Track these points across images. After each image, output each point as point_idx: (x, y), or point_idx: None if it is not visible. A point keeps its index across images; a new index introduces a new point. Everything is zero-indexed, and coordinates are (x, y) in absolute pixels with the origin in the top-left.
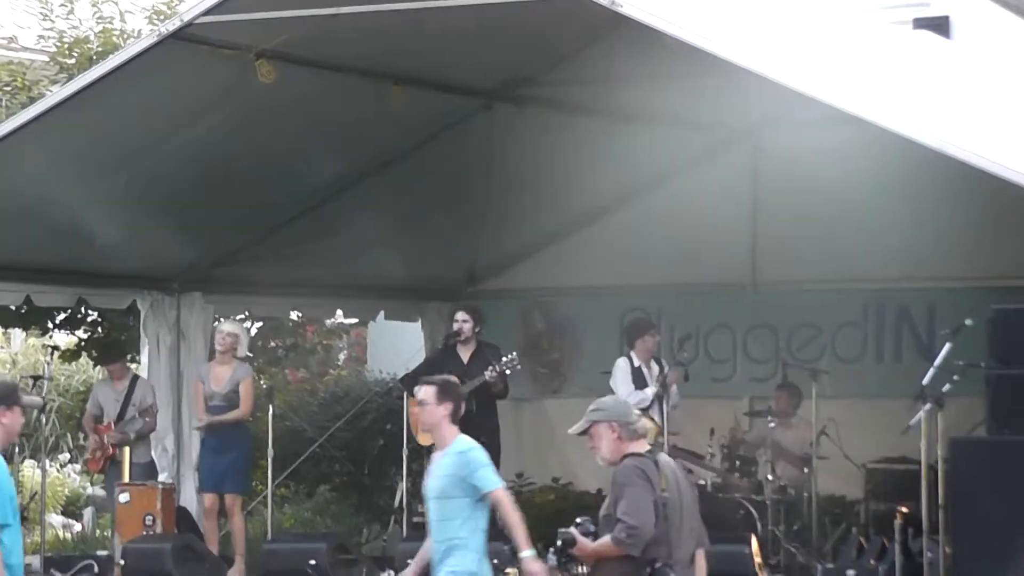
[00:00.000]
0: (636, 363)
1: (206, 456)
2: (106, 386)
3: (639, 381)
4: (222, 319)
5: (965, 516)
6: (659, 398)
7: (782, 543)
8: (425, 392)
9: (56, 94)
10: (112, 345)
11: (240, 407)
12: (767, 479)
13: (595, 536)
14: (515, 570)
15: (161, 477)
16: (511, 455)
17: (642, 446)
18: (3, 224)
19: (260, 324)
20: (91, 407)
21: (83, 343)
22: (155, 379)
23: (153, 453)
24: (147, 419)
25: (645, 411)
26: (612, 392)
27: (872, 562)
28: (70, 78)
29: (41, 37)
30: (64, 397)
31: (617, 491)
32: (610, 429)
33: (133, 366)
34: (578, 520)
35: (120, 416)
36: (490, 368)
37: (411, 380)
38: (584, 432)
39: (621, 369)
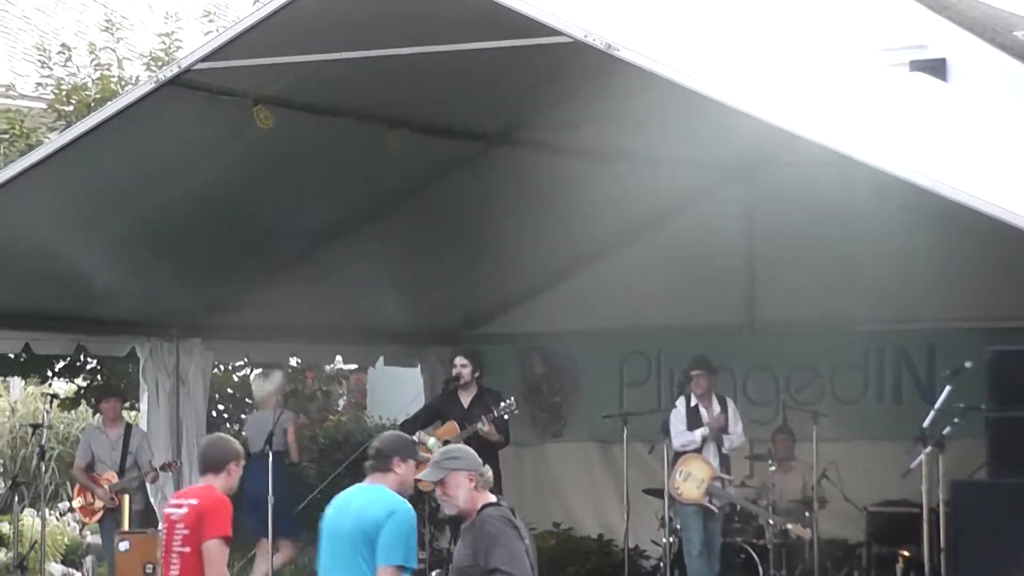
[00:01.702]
0: (693, 402)
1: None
2: (99, 434)
3: (693, 421)
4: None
5: (967, 559)
6: (710, 440)
7: None
8: None
9: (54, 141)
10: (108, 384)
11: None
12: (768, 523)
13: None
14: None
15: (161, 525)
16: (512, 499)
17: (490, 496)
18: (2, 272)
19: (259, 370)
20: (83, 456)
21: (82, 391)
22: (154, 426)
23: (152, 500)
24: (167, 470)
25: (698, 452)
26: (667, 432)
27: None
28: (68, 125)
29: (39, 84)
30: (64, 445)
31: (486, 541)
32: (468, 479)
33: (133, 413)
34: (434, 573)
35: (122, 465)
36: (482, 419)
37: (412, 425)
38: (438, 481)
39: (676, 409)
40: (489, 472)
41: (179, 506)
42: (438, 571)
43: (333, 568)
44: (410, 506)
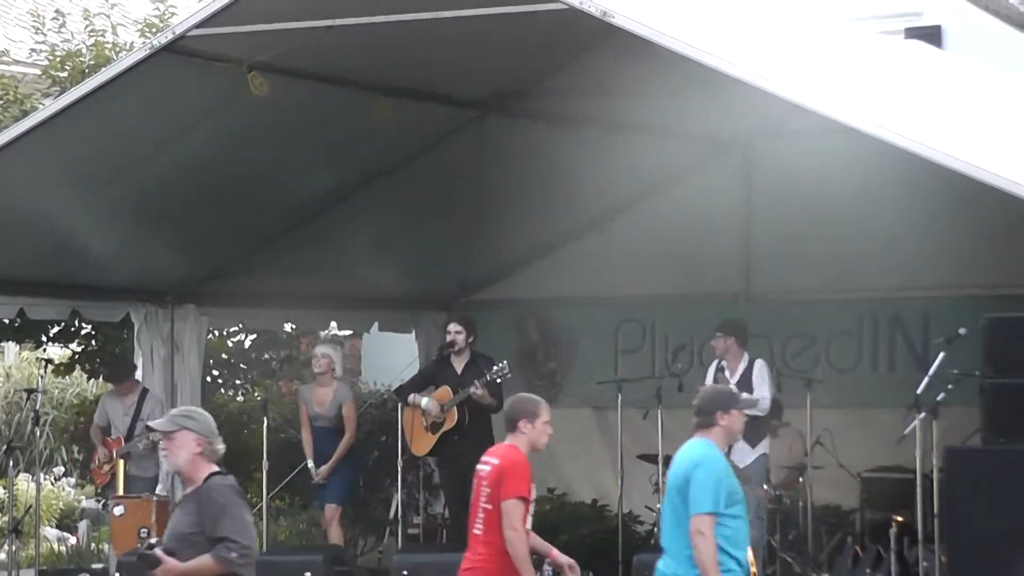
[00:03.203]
0: (721, 363)
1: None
2: (114, 399)
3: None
4: (320, 339)
5: (960, 525)
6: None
7: (778, 553)
8: None
9: (48, 108)
10: (120, 362)
11: (347, 431)
12: (763, 489)
13: (174, 556)
14: None
15: (156, 489)
16: None
17: (215, 466)
18: None
19: (254, 336)
20: (98, 419)
21: (77, 356)
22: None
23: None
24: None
25: None
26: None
27: (868, 571)
28: (62, 91)
29: (33, 51)
30: (58, 410)
31: (215, 509)
32: (196, 443)
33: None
34: (152, 541)
35: (131, 430)
36: (475, 384)
37: (406, 391)
38: (167, 433)
39: (708, 372)
40: (221, 446)
41: (486, 464)
42: (157, 539)
43: (665, 520)
44: (719, 456)
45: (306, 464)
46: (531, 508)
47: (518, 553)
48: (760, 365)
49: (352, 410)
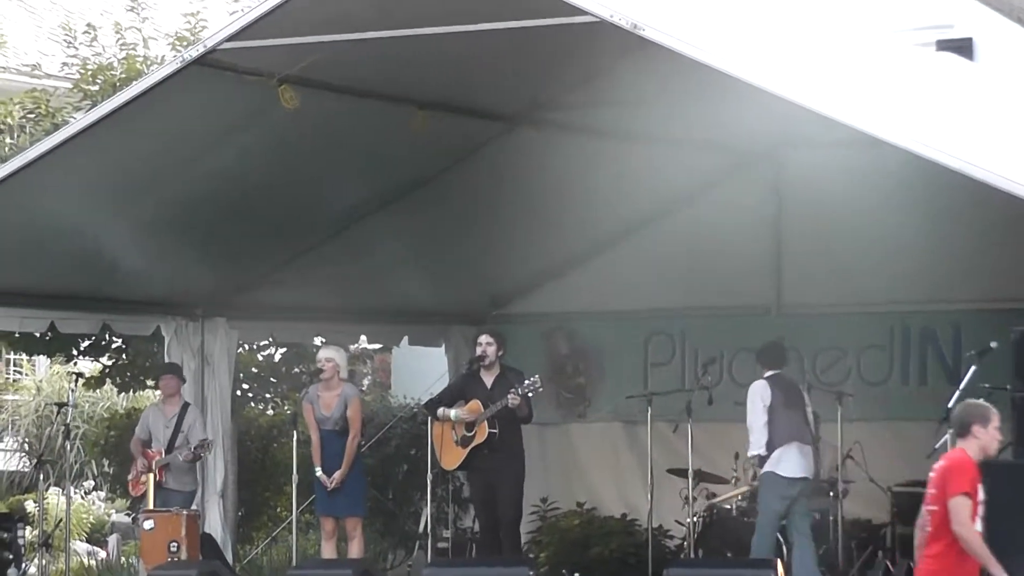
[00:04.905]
0: None
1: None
2: (156, 411)
3: None
4: (322, 343)
5: (991, 539)
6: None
7: None
8: None
9: (80, 121)
10: (163, 363)
11: (351, 430)
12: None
13: None
14: None
15: (193, 504)
16: (536, 479)
17: None
18: (28, 251)
19: (284, 350)
20: (140, 431)
21: (107, 370)
22: None
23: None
24: (200, 453)
25: None
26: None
27: None
28: (94, 105)
29: (65, 64)
30: (89, 424)
31: None
32: None
33: (157, 393)
34: None
35: (171, 443)
36: (512, 392)
37: (435, 405)
38: None
39: None
40: None
41: (934, 469)
42: None
43: None
44: None
45: (315, 472)
46: (980, 510)
47: (973, 548)
48: (749, 391)
49: (357, 408)
